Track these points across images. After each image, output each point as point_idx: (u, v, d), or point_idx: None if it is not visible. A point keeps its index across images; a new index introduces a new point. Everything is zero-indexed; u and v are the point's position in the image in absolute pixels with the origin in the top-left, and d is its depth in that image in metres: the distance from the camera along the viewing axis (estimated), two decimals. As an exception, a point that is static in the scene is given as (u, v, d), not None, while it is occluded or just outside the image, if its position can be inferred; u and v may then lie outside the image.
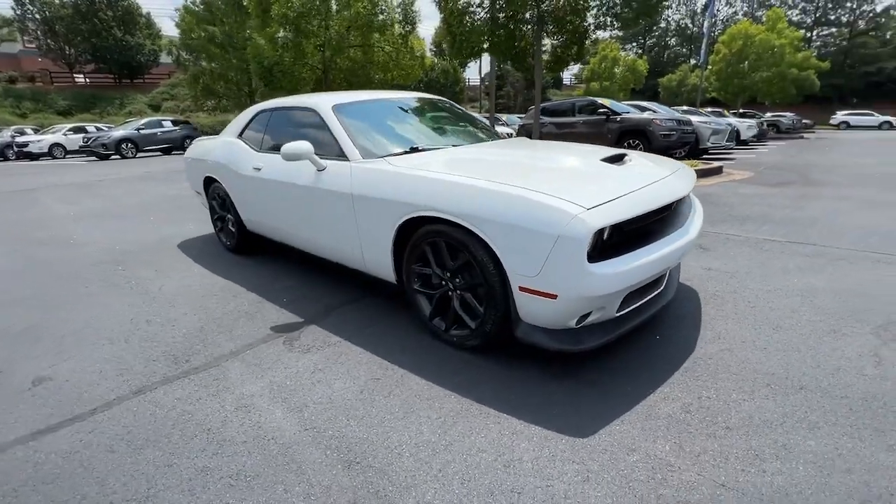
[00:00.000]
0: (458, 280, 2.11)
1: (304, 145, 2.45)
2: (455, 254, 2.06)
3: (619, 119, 9.50)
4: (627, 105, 10.69)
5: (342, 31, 14.71)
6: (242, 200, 3.47)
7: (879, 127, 30.53)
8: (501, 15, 8.12)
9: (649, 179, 2.10)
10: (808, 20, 45.05)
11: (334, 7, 14.43)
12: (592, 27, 8.27)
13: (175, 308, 2.81)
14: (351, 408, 1.79)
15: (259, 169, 3.15)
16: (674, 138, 9.09)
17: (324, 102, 2.91)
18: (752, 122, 15.76)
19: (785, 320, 2.39)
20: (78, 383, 2.02)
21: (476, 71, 31.99)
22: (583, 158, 2.45)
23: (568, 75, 43.38)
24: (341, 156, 2.59)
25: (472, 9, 8.32)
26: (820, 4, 44.12)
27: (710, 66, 26.62)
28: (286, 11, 12.94)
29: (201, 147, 4.09)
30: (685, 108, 14.62)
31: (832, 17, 44.55)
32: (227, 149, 3.58)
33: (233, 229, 3.80)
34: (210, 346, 2.32)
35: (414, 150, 2.68)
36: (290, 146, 2.45)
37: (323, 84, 15.22)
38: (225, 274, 3.40)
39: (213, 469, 1.50)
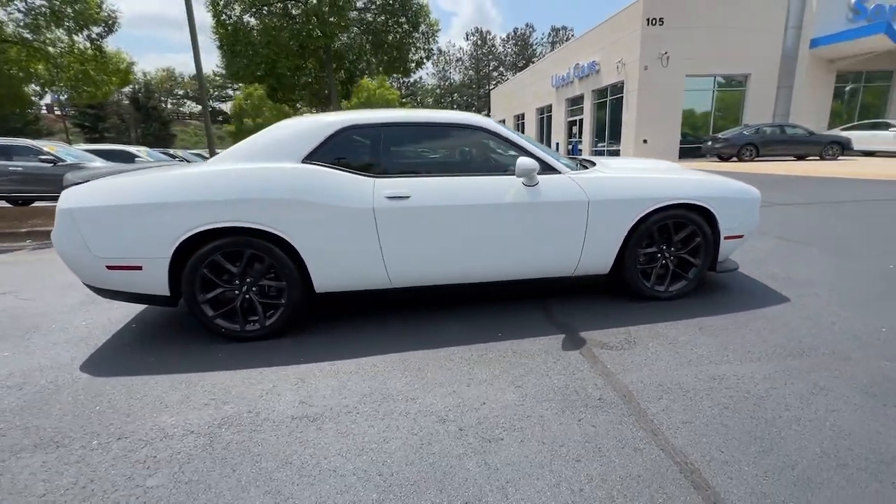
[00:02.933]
0: (676, 246, 3.08)
1: (532, 162, 2.63)
2: (679, 228, 3.01)
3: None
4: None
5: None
6: (337, 248, 2.59)
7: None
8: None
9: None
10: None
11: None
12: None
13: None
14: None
15: (403, 197, 2.58)
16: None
17: (485, 120, 2.93)
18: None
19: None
20: None
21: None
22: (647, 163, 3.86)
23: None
24: (546, 169, 2.86)
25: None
26: None
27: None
28: None
29: (162, 185, 2.47)
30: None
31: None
32: (303, 179, 2.53)
33: (279, 300, 2.69)
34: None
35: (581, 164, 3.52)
36: (525, 162, 2.61)
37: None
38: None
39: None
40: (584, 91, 23.15)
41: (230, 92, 65.36)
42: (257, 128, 29.64)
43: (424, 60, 28.09)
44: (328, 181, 2.56)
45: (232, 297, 2.69)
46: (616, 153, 20.81)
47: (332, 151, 2.67)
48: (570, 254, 2.88)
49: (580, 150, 24.25)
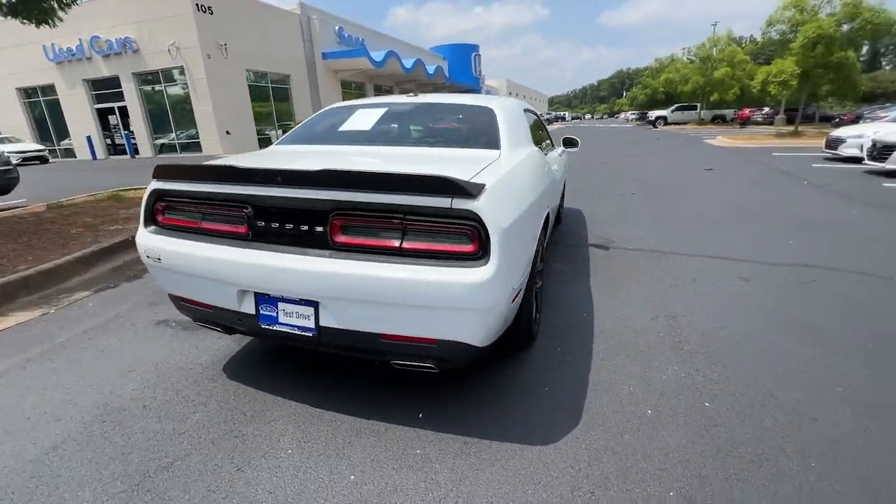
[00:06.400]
0: None
1: None
2: None
3: None
4: None
5: None
6: None
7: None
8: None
9: None
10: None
11: None
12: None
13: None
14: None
15: None
16: None
17: None
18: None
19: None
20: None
21: None
22: None
23: None
24: None
25: None
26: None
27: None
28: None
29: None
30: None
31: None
32: None
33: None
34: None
35: None
36: None
37: None
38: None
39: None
40: (120, 73, 19.04)
41: None
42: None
43: None
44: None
45: None
46: (196, 146, 19.20)
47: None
48: None
49: (135, 144, 20.15)
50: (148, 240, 1.99)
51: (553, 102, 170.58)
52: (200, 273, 1.88)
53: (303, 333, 1.81)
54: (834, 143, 11.67)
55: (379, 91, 30.86)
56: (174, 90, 19.19)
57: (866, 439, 1.77)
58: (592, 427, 1.89)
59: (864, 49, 24.38)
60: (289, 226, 1.75)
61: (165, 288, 2.13)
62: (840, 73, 16.71)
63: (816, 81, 17.27)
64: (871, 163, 9.26)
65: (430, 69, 31.41)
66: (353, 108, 3.04)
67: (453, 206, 1.54)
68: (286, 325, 1.83)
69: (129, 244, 4.64)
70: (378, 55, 24.24)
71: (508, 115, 2.76)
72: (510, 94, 59.99)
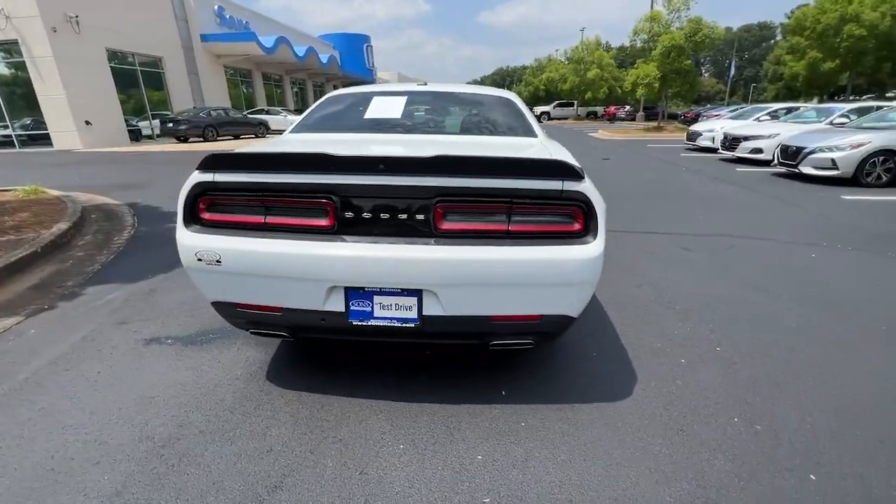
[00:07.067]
0: None
1: None
2: None
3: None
4: None
5: None
6: None
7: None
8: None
9: None
10: None
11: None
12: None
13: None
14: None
15: None
16: None
17: None
18: None
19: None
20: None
21: None
22: None
23: None
24: None
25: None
26: None
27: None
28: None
29: None
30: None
31: None
32: None
33: None
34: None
35: None
36: None
37: None
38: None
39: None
40: (-82, 44, 14.73)
41: None
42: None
43: None
44: None
45: None
46: (44, 139, 15.77)
47: None
48: None
49: (-52, 138, 15.81)
50: (201, 240, 1.74)
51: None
52: (282, 272, 1.71)
53: (402, 325, 1.77)
54: (693, 136, 14.09)
55: (268, 80, 28.56)
56: (5, 70, 15.50)
57: (814, 329, 2.34)
58: (649, 379, 2.18)
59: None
60: (385, 215, 1.69)
61: (212, 295, 1.88)
62: (687, 78, 20.16)
63: (671, 84, 20.59)
64: (724, 152, 11.43)
65: (324, 58, 30.04)
66: (366, 96, 2.90)
67: (564, 189, 1.66)
68: (383, 318, 1.77)
69: (40, 256, 3.80)
70: (268, 40, 22.44)
71: (524, 105, 2.91)
72: (402, 87, 59.88)
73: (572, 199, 1.68)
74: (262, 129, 20.19)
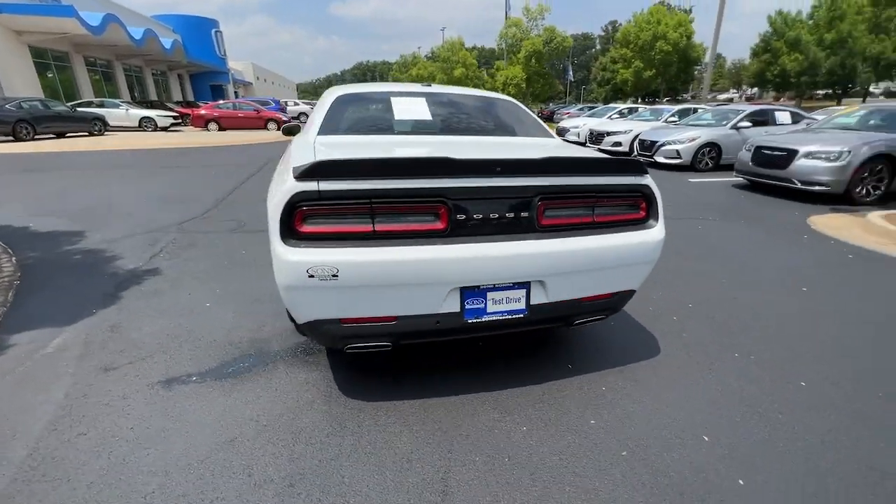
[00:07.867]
0: None
1: None
2: None
3: None
4: None
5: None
6: None
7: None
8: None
9: None
10: None
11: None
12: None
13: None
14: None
15: None
16: None
17: None
18: None
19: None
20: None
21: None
22: None
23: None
24: None
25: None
26: None
27: None
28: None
29: None
30: None
31: None
32: None
33: None
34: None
35: None
36: None
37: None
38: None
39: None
40: None
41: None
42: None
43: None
44: None
45: None
46: None
47: None
48: None
49: None
50: (312, 255, 1.61)
51: (300, 90, 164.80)
52: (404, 280, 1.69)
53: (512, 317, 1.90)
54: (562, 133, 16.12)
55: (92, 66, 23.56)
56: None
57: (714, 271, 3.16)
58: (703, 354, 2.67)
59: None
60: (494, 215, 1.80)
61: (313, 314, 1.74)
62: (546, 80, 22.86)
63: (533, 85, 23.10)
64: (591, 146, 13.40)
65: (167, 43, 26.04)
66: (381, 96, 2.81)
67: (637, 182, 1.98)
68: (495, 313, 1.87)
69: None
70: (94, 18, 18.57)
71: (526, 107, 3.19)
72: (257, 78, 55.01)
73: (639, 190, 2.01)
74: (98, 126, 16.72)
